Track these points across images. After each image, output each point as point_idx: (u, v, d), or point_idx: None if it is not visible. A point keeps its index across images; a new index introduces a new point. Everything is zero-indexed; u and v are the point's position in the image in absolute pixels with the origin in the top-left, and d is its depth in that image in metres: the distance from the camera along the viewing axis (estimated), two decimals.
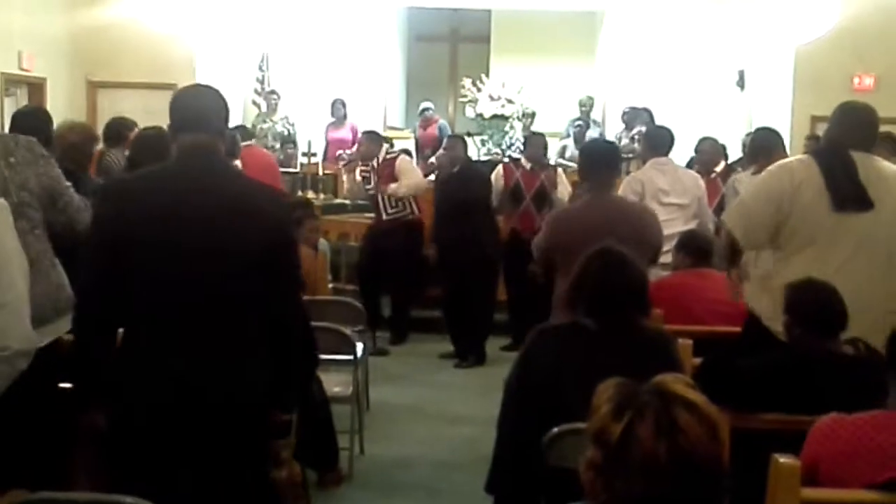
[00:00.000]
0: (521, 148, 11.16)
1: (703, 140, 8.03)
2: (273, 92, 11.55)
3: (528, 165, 8.05)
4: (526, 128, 11.61)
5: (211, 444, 2.79)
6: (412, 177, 8.25)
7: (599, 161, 4.86)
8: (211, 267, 2.75)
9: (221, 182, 2.86)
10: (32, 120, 4.54)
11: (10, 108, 8.99)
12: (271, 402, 2.94)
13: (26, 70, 9.86)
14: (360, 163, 8.47)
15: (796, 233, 4.01)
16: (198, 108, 2.91)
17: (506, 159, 10.68)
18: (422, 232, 8.39)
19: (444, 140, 8.64)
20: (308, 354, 3.08)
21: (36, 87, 10.15)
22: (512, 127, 11.73)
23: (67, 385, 3.25)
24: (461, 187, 7.85)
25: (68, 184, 3.41)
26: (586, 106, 11.98)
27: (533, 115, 11.67)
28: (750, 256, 4.32)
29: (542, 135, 8.64)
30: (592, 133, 11.41)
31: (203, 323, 2.77)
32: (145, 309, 2.78)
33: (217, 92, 3.03)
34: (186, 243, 2.74)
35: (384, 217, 8.21)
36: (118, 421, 2.81)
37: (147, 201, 2.79)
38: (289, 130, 11.40)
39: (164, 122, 3.13)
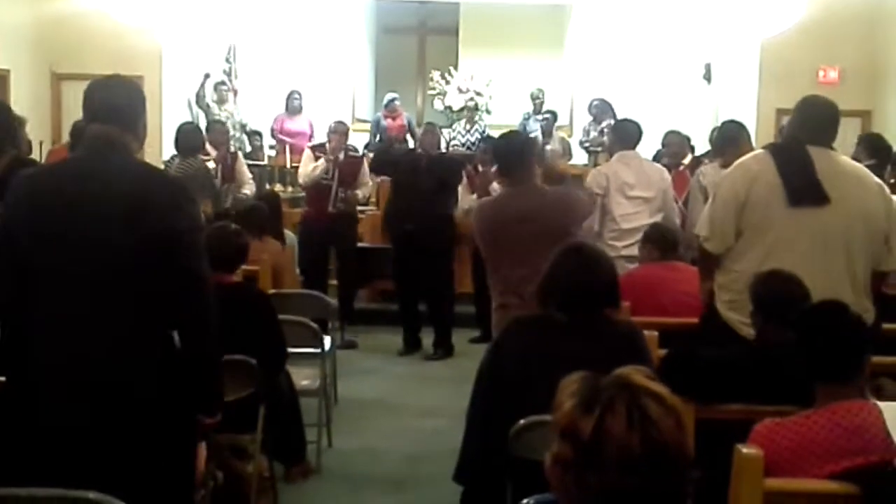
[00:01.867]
0: (461, 143, 11.22)
1: (669, 133, 8.09)
2: (223, 82, 11.48)
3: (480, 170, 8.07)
4: (470, 120, 11.62)
5: (102, 441, 2.76)
6: (369, 183, 8.55)
7: (513, 153, 4.79)
8: (95, 259, 2.74)
9: (115, 174, 2.83)
10: None
11: None
12: (190, 403, 2.92)
13: None
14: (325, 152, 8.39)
15: (751, 227, 4.04)
16: (107, 100, 2.93)
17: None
18: (356, 223, 8.56)
19: (423, 126, 8.69)
20: (205, 353, 2.96)
21: None
22: (459, 122, 11.74)
23: None
24: (446, 169, 7.92)
25: None
26: (539, 98, 11.99)
27: (476, 106, 11.68)
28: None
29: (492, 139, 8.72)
30: (532, 127, 11.42)
31: (86, 315, 2.75)
32: (33, 300, 2.78)
33: (131, 85, 3.05)
34: (72, 234, 2.75)
35: (330, 209, 8.19)
36: (11, 413, 2.81)
37: (38, 192, 2.84)
38: (242, 122, 11.39)
39: None
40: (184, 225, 2.85)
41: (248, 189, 8.17)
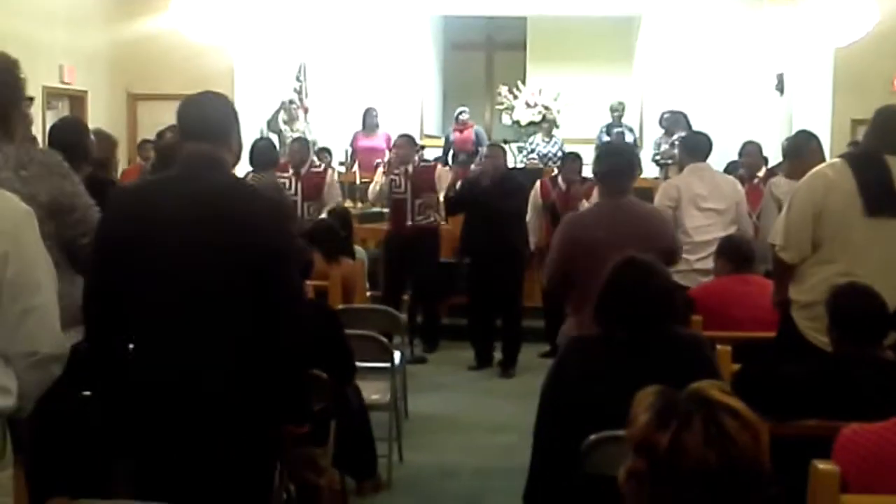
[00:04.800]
0: (541, 154, 11.23)
1: (748, 144, 8.01)
2: (292, 101, 11.60)
3: (563, 186, 8.07)
4: (546, 132, 11.63)
5: (199, 454, 2.79)
6: (445, 183, 8.32)
7: (612, 164, 4.68)
8: (193, 276, 2.77)
9: (215, 191, 2.85)
10: (67, 133, 4.59)
11: (52, 121, 9.06)
12: (279, 414, 2.93)
13: (67, 83, 9.97)
14: (394, 167, 8.46)
15: (828, 237, 3.98)
16: (200, 117, 2.94)
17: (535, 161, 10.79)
18: (439, 237, 8.48)
19: (485, 147, 8.66)
20: (298, 365, 2.99)
21: (77, 100, 10.27)
22: (536, 134, 11.78)
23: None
24: (504, 197, 7.87)
25: (88, 202, 3.44)
26: (618, 111, 11.95)
27: (554, 121, 11.68)
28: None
29: (578, 155, 8.69)
30: (627, 139, 11.38)
31: (183, 328, 2.78)
32: (134, 312, 2.83)
33: (223, 100, 3.04)
34: (171, 251, 2.77)
35: (408, 223, 8.22)
36: (110, 421, 2.87)
37: (139, 208, 2.86)
38: (313, 141, 11.47)
39: None
40: (285, 244, 2.89)
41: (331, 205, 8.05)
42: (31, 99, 3.72)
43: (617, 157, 4.80)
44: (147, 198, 2.92)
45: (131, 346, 2.87)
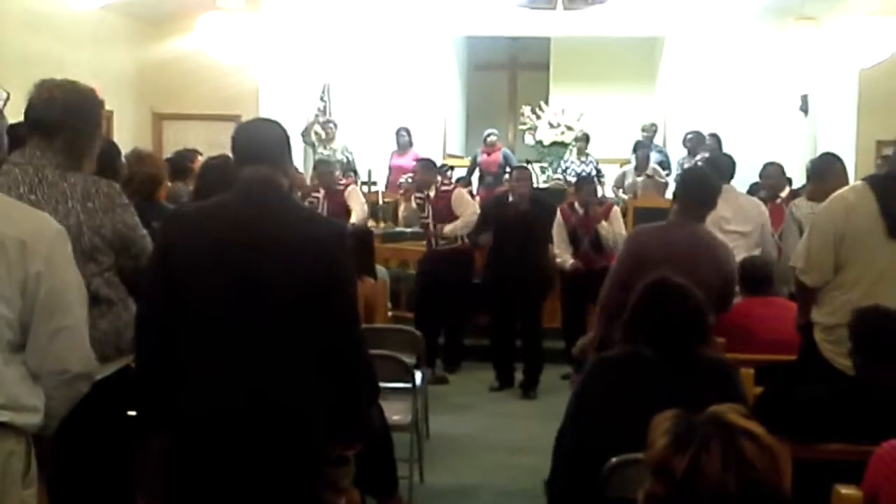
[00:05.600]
0: (577, 172, 11.23)
1: (768, 165, 7.97)
2: (329, 121, 11.67)
3: (581, 211, 8.09)
4: (581, 151, 11.64)
5: (255, 469, 2.80)
6: (466, 213, 8.23)
7: (696, 193, 4.82)
8: (258, 299, 2.77)
9: (276, 215, 2.86)
10: (102, 155, 4.63)
11: None
12: (332, 433, 2.93)
13: None
14: (415, 191, 8.54)
15: (850, 260, 3.96)
16: (257, 140, 2.95)
17: (562, 182, 10.80)
18: (471, 259, 8.44)
19: (515, 171, 8.65)
20: (366, 387, 3.03)
21: (103, 121, 10.35)
22: (570, 152, 11.78)
23: (132, 412, 3.30)
24: (536, 220, 7.91)
25: (144, 232, 3.47)
26: (649, 132, 11.94)
27: (587, 137, 11.69)
28: None
29: (591, 178, 8.73)
30: (653, 159, 11.35)
31: (248, 352, 2.77)
32: (194, 337, 2.81)
33: (277, 124, 3.06)
34: (235, 274, 2.77)
35: (435, 247, 8.29)
36: (175, 443, 2.86)
37: (200, 232, 2.86)
38: (348, 158, 11.52)
39: (228, 152, 3.16)
40: (347, 267, 2.93)
41: (353, 217, 8.21)
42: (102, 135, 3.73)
43: (703, 186, 4.89)
44: (207, 224, 2.90)
45: (183, 371, 2.85)
